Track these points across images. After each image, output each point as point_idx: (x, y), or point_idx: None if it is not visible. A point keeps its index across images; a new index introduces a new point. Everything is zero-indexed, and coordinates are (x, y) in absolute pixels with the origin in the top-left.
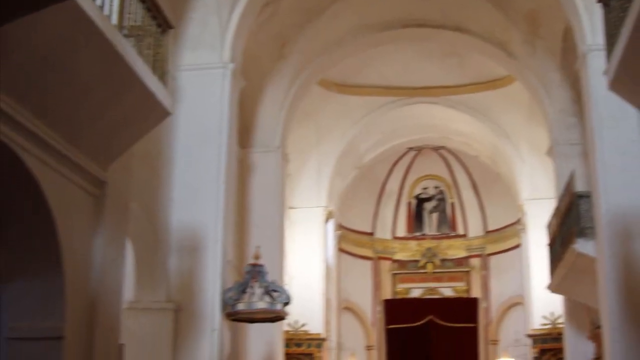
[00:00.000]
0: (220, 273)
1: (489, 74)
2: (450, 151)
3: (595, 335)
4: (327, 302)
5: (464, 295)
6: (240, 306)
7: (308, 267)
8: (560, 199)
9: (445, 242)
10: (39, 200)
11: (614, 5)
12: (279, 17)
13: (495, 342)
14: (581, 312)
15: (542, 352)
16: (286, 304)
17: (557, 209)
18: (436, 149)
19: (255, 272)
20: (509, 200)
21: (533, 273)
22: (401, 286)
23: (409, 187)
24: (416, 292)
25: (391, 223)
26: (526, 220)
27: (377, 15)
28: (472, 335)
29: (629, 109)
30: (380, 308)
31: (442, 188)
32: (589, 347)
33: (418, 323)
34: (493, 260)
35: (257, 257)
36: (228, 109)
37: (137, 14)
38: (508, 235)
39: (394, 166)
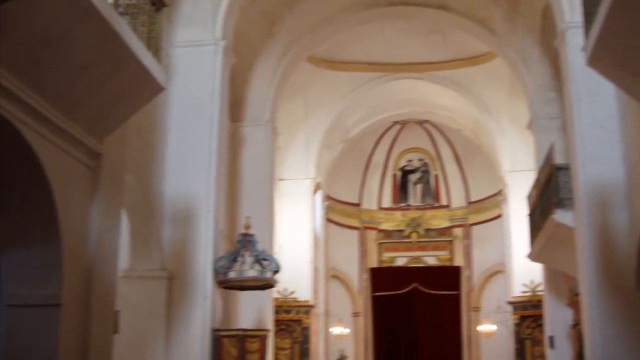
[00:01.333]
0: (212, 242)
1: (471, 50)
2: (434, 125)
3: (573, 302)
4: (315, 270)
5: (447, 263)
6: (232, 274)
7: (297, 236)
8: (540, 171)
9: (429, 213)
10: (37, 172)
11: None
12: None
13: (477, 308)
14: (560, 280)
15: (523, 318)
16: (276, 272)
17: (537, 181)
18: (420, 122)
19: (246, 241)
20: (490, 172)
21: (514, 242)
22: (387, 255)
23: (394, 159)
24: (401, 260)
25: (377, 194)
26: (507, 191)
27: None
28: (454, 302)
29: (606, 84)
30: (366, 276)
31: (426, 160)
32: (568, 314)
33: (403, 290)
34: (475, 230)
35: (247, 227)
36: (219, 84)
37: None
38: (489, 206)
39: (380, 139)
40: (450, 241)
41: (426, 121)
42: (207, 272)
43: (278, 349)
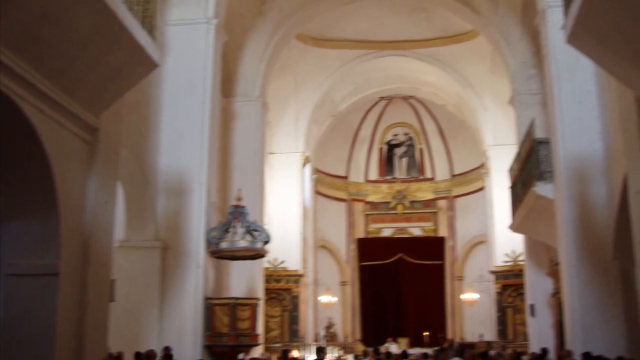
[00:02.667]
0: (204, 214)
1: (454, 28)
2: (419, 100)
3: (553, 271)
4: (304, 241)
5: (432, 234)
6: (223, 244)
7: (286, 208)
8: (521, 145)
9: (414, 185)
10: (36, 146)
11: None
12: None
13: (460, 278)
14: (540, 250)
15: (504, 287)
16: (266, 242)
17: (518, 154)
18: (406, 98)
19: (237, 213)
20: (473, 146)
21: (496, 214)
22: (373, 226)
23: (381, 133)
24: (387, 231)
25: (364, 167)
26: (489, 164)
27: None
28: (439, 272)
29: (585, 61)
30: (353, 246)
31: (412, 135)
32: (548, 283)
33: (389, 260)
34: (458, 201)
35: (239, 199)
36: (212, 61)
37: None
38: (472, 179)
39: (367, 114)
40: (435, 213)
41: (411, 97)
42: (199, 242)
43: (268, 316)
